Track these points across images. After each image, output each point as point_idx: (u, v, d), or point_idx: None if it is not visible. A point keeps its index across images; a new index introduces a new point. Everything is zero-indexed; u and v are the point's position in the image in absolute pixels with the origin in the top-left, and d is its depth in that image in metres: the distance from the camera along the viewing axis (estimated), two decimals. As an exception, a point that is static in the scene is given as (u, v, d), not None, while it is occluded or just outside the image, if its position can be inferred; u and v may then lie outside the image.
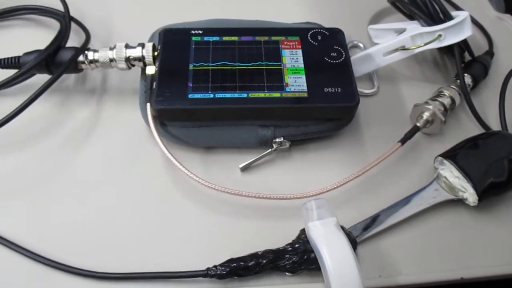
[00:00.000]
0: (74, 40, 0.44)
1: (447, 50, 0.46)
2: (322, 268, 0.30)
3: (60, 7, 0.44)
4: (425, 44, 0.41)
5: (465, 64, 0.45)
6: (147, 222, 0.35)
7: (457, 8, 0.52)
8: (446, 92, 0.41)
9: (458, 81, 0.42)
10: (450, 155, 0.37)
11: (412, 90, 0.44)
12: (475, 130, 0.41)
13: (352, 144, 0.40)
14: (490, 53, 0.47)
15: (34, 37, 0.44)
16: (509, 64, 0.46)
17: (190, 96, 0.35)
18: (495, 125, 0.42)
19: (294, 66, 0.37)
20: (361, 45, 0.47)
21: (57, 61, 0.38)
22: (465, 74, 0.43)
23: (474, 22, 0.51)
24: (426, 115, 0.39)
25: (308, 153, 0.39)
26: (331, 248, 0.30)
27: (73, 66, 0.38)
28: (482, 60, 0.45)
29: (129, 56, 0.38)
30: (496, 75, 0.46)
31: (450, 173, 0.36)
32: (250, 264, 0.31)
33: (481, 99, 0.44)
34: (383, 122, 0.42)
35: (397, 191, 0.37)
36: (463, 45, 0.44)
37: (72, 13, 0.44)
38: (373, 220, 0.35)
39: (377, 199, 0.36)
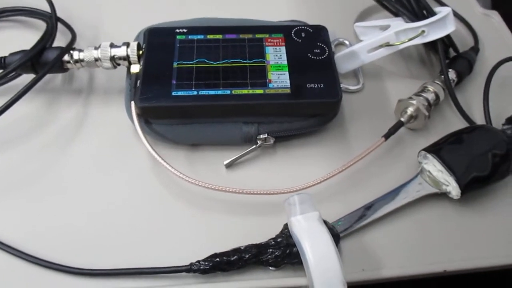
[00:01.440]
0: (61, 40, 0.44)
1: (432, 46, 0.46)
2: (304, 262, 0.30)
3: (47, 8, 0.44)
4: (409, 40, 0.42)
5: (450, 60, 0.45)
6: (132, 219, 0.35)
7: (443, 4, 0.52)
8: (431, 88, 0.41)
9: (443, 76, 0.42)
10: (433, 149, 0.37)
11: (398, 86, 0.45)
12: (459, 124, 0.42)
13: (337, 140, 0.40)
14: (475, 49, 0.47)
15: (22, 38, 0.44)
16: (494, 60, 0.46)
17: (173, 93, 0.35)
18: (480, 120, 0.42)
19: (277, 63, 0.38)
20: (346, 42, 0.48)
21: (43, 61, 0.38)
22: (450, 70, 0.43)
23: (460, 18, 0.51)
24: (410, 110, 0.40)
25: (292, 148, 0.39)
26: (313, 243, 0.30)
27: (59, 66, 0.38)
28: (467, 56, 0.45)
29: (114, 55, 0.38)
30: (481, 71, 0.46)
31: (434, 167, 0.37)
32: (233, 258, 0.31)
33: (466, 94, 0.45)
34: (368, 118, 0.42)
35: (382, 185, 0.37)
36: (447, 41, 0.44)
37: (59, 14, 0.45)
38: (357, 214, 0.35)
39: (362, 193, 0.36)
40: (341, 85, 0.43)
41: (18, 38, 0.45)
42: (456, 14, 0.52)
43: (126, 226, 0.34)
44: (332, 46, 0.46)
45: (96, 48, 0.39)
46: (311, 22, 0.45)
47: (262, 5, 0.51)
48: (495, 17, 0.53)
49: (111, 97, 0.41)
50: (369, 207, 0.36)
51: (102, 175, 0.37)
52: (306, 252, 0.30)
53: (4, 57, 0.38)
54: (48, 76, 0.42)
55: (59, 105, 0.41)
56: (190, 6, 0.50)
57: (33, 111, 0.40)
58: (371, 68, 0.46)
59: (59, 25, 0.44)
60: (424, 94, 0.41)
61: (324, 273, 0.29)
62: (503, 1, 0.56)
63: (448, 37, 0.43)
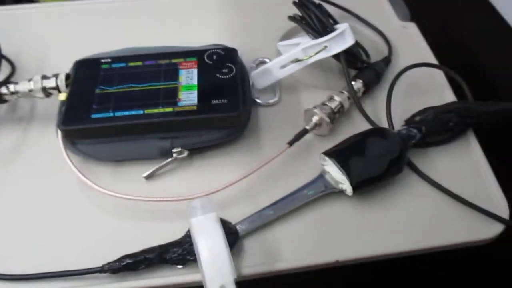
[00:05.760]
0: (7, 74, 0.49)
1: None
2: (197, 257, 0.34)
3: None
4: (315, 54, 0.46)
5: (359, 70, 0.49)
6: (58, 229, 0.39)
7: (363, 20, 0.57)
8: (336, 97, 0.45)
9: (351, 86, 0.46)
10: (330, 152, 0.41)
11: (314, 98, 0.48)
12: (366, 129, 0.45)
13: (252, 149, 0.44)
14: (386, 59, 0.51)
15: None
16: (406, 68, 0.50)
17: (92, 116, 0.40)
18: (385, 125, 0.46)
19: (188, 83, 0.42)
20: (267, 60, 0.52)
21: (-17, 95, 0.43)
22: (357, 80, 0.47)
23: (377, 30, 0.56)
24: (314, 118, 0.44)
25: (209, 159, 0.43)
26: (205, 239, 0.34)
27: (-3, 98, 0.43)
28: (376, 66, 0.49)
29: (45, 86, 0.43)
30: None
31: (332, 167, 0.40)
32: (139, 258, 0.35)
33: (375, 101, 0.49)
34: (283, 128, 0.46)
35: (290, 187, 0.41)
36: (351, 54, 0.48)
37: (7, 50, 0.50)
38: (261, 213, 0.39)
39: (270, 195, 0.40)
40: (258, 99, 0.48)
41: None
42: (373, 27, 0.56)
43: (50, 234, 0.39)
44: (254, 65, 0.51)
45: (29, 81, 0.43)
46: (239, 44, 0.49)
47: (193, 32, 0.56)
48: (412, 29, 0.57)
49: (48, 123, 0.46)
50: (272, 207, 0.39)
51: (34, 192, 0.41)
52: (198, 247, 0.34)
53: (-51, 93, 0.43)
54: (-6, 107, 0.47)
55: (1, 132, 0.45)
56: (126, 37, 0.55)
57: (-23, 140, 0.45)
58: (291, 82, 0.50)
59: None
60: (328, 103, 0.45)
61: (214, 265, 0.33)
62: (423, 14, 0.61)
63: (351, 51, 0.47)
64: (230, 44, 0.49)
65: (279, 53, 0.53)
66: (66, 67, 0.46)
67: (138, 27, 0.57)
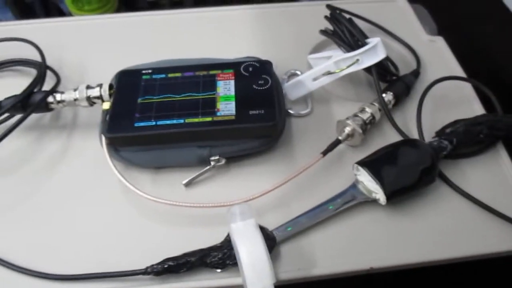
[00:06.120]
0: (51, 84, 0.52)
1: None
2: (238, 261, 0.35)
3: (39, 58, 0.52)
4: (347, 67, 0.48)
5: (389, 83, 0.50)
6: (102, 232, 0.41)
7: (392, 35, 0.58)
8: (367, 109, 0.47)
9: (381, 98, 0.47)
10: (363, 162, 0.42)
11: (345, 109, 0.50)
12: (397, 140, 0.46)
13: (285, 158, 0.46)
14: (415, 72, 0.53)
15: (17, 85, 0.51)
16: (434, 81, 0.51)
17: (136, 124, 0.42)
18: (416, 136, 0.47)
19: (226, 94, 0.44)
20: (298, 72, 0.53)
21: (31, 103, 0.45)
22: (388, 92, 0.49)
23: (406, 45, 0.57)
24: (347, 129, 0.45)
25: (245, 167, 0.45)
26: (246, 244, 0.35)
27: (44, 106, 0.46)
28: (405, 79, 0.51)
29: (89, 96, 0.45)
30: (422, 91, 0.51)
31: (365, 177, 0.42)
32: (181, 261, 0.37)
33: (405, 112, 0.50)
34: (315, 138, 0.47)
35: (323, 195, 0.42)
36: (381, 67, 0.49)
37: (51, 62, 0.52)
38: (296, 221, 0.40)
39: (304, 203, 0.41)
40: (290, 110, 0.49)
41: (15, 85, 0.52)
42: (401, 41, 0.57)
43: (95, 237, 0.40)
44: (286, 77, 0.53)
45: (74, 90, 0.46)
46: (269, 56, 0.51)
47: (226, 44, 0.58)
48: (440, 42, 0.58)
49: (91, 131, 0.48)
50: (307, 215, 0.41)
51: (79, 196, 0.43)
52: (240, 252, 0.35)
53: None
54: (39, 115, 0.49)
55: (46, 140, 0.48)
56: (161, 49, 0.57)
57: (25, 145, 0.47)
58: (322, 94, 0.52)
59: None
60: (360, 115, 0.46)
61: (255, 269, 0.34)
62: (450, 28, 0.62)
63: (382, 64, 0.49)
64: (261, 56, 0.51)
65: (309, 66, 0.55)
66: (104, 77, 0.48)
67: (172, 40, 0.59)
